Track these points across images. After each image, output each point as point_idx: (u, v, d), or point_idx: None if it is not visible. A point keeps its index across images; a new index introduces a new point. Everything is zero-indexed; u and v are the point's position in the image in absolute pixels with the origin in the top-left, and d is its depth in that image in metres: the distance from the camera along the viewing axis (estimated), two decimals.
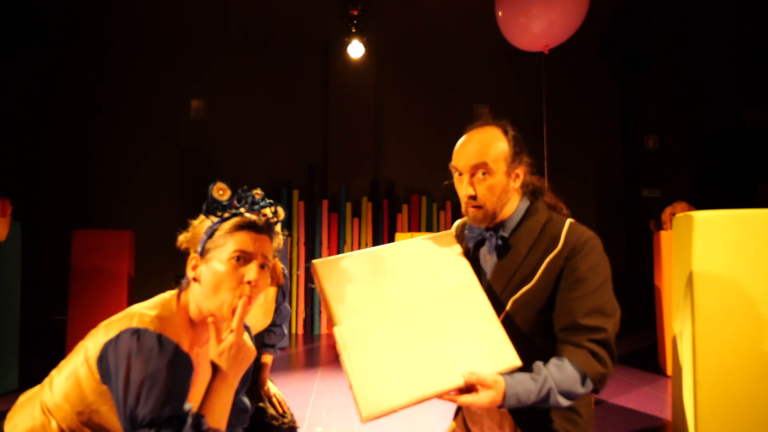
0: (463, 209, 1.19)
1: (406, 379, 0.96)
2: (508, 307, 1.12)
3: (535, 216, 1.18)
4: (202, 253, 1.05)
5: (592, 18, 3.56)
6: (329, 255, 5.19)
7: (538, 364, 1.02)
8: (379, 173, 5.79)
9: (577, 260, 1.09)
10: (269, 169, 5.76)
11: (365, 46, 5.35)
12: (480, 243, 1.23)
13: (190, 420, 0.92)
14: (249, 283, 1.01)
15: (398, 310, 1.06)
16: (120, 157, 5.71)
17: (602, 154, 6.12)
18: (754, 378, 1.81)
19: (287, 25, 5.61)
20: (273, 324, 2.05)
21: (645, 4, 5.22)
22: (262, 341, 2.05)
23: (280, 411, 1.94)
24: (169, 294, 1.08)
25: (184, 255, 1.10)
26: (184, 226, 1.14)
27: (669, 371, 3.50)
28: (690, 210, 3.71)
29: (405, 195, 5.79)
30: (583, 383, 1.01)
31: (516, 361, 1.02)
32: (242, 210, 1.10)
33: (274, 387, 2.00)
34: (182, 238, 1.12)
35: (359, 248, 5.03)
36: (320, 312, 5.27)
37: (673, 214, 3.71)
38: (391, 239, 5.32)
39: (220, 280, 1.01)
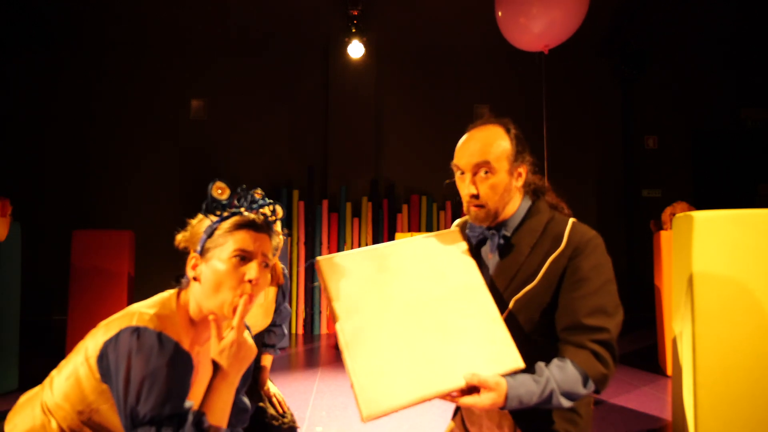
0: (464, 208, 1.19)
1: (407, 379, 0.96)
2: (510, 306, 1.12)
3: (537, 215, 1.17)
4: (202, 253, 1.05)
5: (592, 18, 3.56)
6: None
7: (540, 365, 1.01)
8: (379, 173, 5.79)
9: (580, 260, 1.08)
10: (269, 169, 5.76)
11: (365, 46, 5.35)
12: (481, 242, 1.22)
13: (191, 418, 0.92)
14: (250, 281, 1.02)
15: (402, 309, 1.05)
16: (120, 157, 5.71)
17: (602, 154, 6.12)
18: (754, 378, 1.81)
19: (287, 25, 5.61)
20: (273, 324, 2.05)
21: (645, 4, 5.22)
22: (262, 341, 2.05)
23: (280, 411, 1.94)
24: (169, 293, 1.08)
25: (184, 255, 1.10)
26: (184, 226, 1.14)
27: (669, 371, 3.50)
28: (690, 210, 3.71)
29: (405, 195, 5.79)
30: (585, 384, 1.01)
31: (519, 363, 1.01)
32: (241, 209, 1.10)
33: (274, 387, 2.00)
34: (180, 238, 1.12)
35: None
36: (320, 312, 5.27)
37: (673, 214, 3.71)
38: (391, 239, 5.31)
39: (221, 279, 1.01)
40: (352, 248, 5.25)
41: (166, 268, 5.07)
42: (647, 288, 4.51)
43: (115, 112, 5.73)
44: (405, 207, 5.53)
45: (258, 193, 1.16)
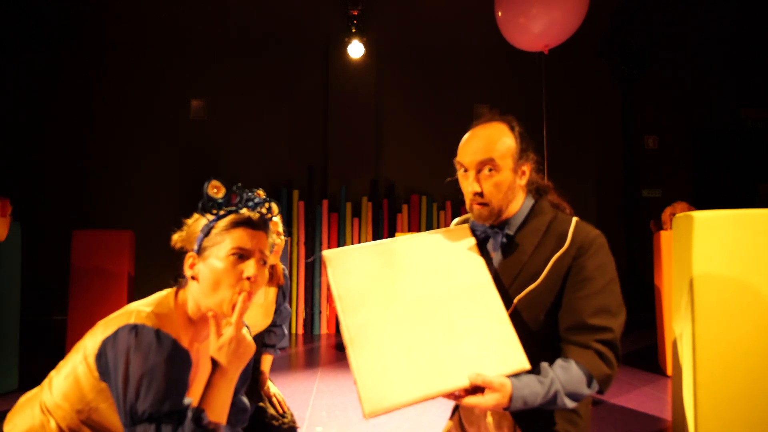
0: (467, 206, 1.17)
1: (411, 376, 0.95)
2: (512, 305, 1.11)
3: (541, 214, 1.16)
4: (199, 251, 1.05)
5: (592, 18, 3.56)
6: None
7: (544, 365, 1.01)
8: (379, 173, 5.79)
9: (584, 259, 1.08)
10: (269, 169, 5.75)
11: (365, 46, 5.35)
12: (483, 241, 1.21)
13: (190, 414, 0.92)
14: (248, 279, 1.02)
15: (408, 306, 1.04)
16: (120, 157, 5.71)
17: (602, 154, 6.12)
18: (754, 378, 1.81)
19: (287, 25, 5.61)
20: (273, 324, 2.05)
21: (645, 4, 5.22)
22: (262, 341, 2.05)
23: (280, 411, 1.94)
24: (167, 292, 1.09)
25: (183, 255, 1.09)
26: (183, 227, 1.14)
27: (669, 371, 3.50)
28: (690, 210, 3.71)
29: (405, 195, 5.79)
30: (589, 384, 1.00)
31: (525, 364, 0.99)
32: (239, 207, 1.10)
33: (274, 387, 2.00)
34: (177, 238, 1.12)
35: None
36: (320, 312, 5.27)
37: (673, 214, 3.71)
38: None
39: (219, 277, 1.01)
40: None
41: (166, 268, 5.06)
42: (647, 288, 4.51)
43: (115, 112, 5.73)
44: (405, 207, 5.53)
45: (260, 193, 1.16)
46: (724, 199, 5.49)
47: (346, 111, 5.65)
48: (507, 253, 1.15)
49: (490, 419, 1.17)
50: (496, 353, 1.00)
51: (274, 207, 1.16)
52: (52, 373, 1.05)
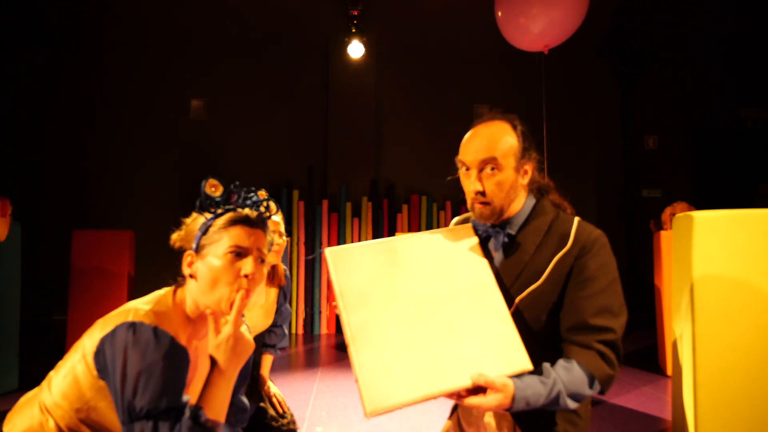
0: (468, 205, 1.17)
1: (412, 376, 0.94)
2: (514, 305, 1.10)
3: (542, 214, 1.16)
4: (197, 250, 1.06)
5: (592, 18, 3.56)
6: None
7: (546, 365, 1.00)
8: (379, 173, 5.79)
9: (586, 259, 1.07)
10: (269, 169, 5.75)
11: (365, 46, 5.35)
12: (484, 240, 1.20)
13: (188, 412, 0.92)
14: (246, 276, 1.02)
15: (410, 305, 1.03)
16: (120, 157, 5.71)
17: (602, 154, 6.11)
18: (754, 377, 1.81)
19: (287, 25, 5.60)
20: (274, 324, 2.06)
21: (645, 4, 5.21)
22: (262, 341, 2.05)
23: (280, 411, 1.94)
24: (165, 290, 1.09)
25: (183, 255, 1.10)
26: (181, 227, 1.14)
27: (669, 371, 3.50)
28: (690, 210, 3.71)
29: (405, 195, 5.79)
30: (590, 385, 1.00)
31: (527, 365, 0.99)
32: (236, 205, 1.10)
33: (274, 387, 2.00)
34: (175, 237, 1.12)
35: None
36: (320, 312, 5.27)
37: (673, 214, 3.71)
38: None
39: (217, 275, 1.01)
40: None
41: (166, 268, 5.05)
42: (647, 288, 4.51)
43: (115, 112, 5.73)
44: (405, 207, 5.53)
45: (262, 194, 1.16)
46: (724, 199, 5.50)
47: (346, 111, 5.65)
48: (508, 252, 1.15)
49: (488, 419, 1.17)
50: (498, 353, 1.00)
51: (272, 205, 1.16)
52: (52, 373, 1.05)
